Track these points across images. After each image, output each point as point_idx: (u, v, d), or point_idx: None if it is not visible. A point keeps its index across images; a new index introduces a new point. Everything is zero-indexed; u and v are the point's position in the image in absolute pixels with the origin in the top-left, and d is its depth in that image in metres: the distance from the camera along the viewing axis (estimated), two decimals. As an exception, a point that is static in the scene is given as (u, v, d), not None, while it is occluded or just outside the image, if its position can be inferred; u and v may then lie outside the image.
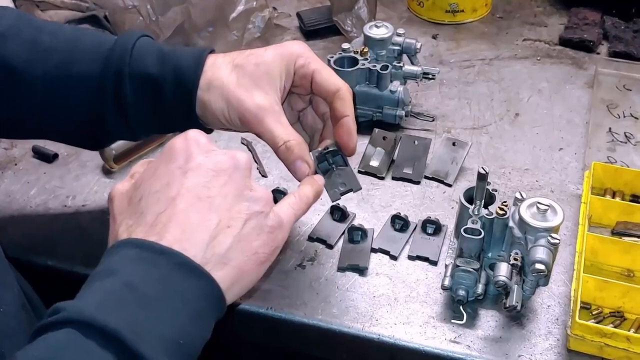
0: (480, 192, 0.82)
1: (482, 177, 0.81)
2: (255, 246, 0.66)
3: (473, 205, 0.83)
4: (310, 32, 1.34)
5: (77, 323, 0.55)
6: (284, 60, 0.80)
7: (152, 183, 0.65)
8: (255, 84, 0.78)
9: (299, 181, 0.78)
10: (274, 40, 1.31)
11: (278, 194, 0.97)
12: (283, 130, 0.77)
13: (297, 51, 0.81)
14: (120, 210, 0.66)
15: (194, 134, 0.68)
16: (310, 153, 0.80)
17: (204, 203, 0.64)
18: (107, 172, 1.06)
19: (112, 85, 0.80)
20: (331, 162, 0.82)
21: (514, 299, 0.78)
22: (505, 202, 0.83)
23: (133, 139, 0.96)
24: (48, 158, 1.08)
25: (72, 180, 1.05)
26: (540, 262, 0.77)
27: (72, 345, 0.54)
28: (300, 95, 0.85)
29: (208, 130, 0.85)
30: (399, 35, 1.11)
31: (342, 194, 0.84)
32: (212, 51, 0.82)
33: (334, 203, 0.89)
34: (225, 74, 0.79)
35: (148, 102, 0.81)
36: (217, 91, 0.79)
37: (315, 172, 0.79)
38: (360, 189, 0.84)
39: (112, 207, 0.68)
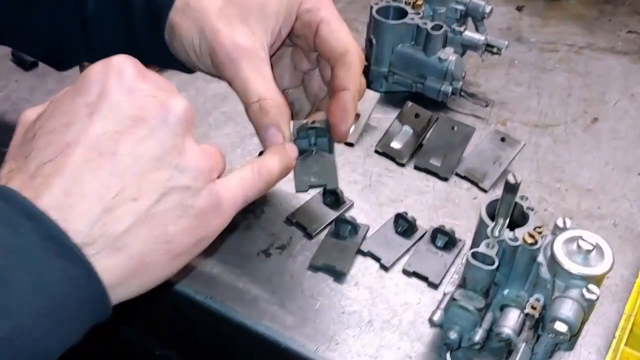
0: (505, 208, 0.60)
1: (511, 188, 0.59)
2: (170, 232, 0.48)
3: (494, 223, 0.62)
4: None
5: None
6: None
7: (50, 119, 0.48)
8: (242, 17, 0.62)
9: None
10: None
11: None
12: (261, 83, 0.60)
13: None
14: (13, 145, 0.50)
15: (119, 59, 0.50)
16: (292, 123, 0.62)
17: (106, 161, 0.46)
18: (84, 93, 0.89)
19: None
20: (313, 142, 0.64)
21: (515, 363, 0.57)
22: (540, 227, 0.62)
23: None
24: (25, 65, 0.93)
25: (43, 95, 0.90)
26: (563, 320, 0.56)
27: None
28: (305, 51, 0.68)
29: (188, 70, 0.69)
30: (467, -8, 0.89)
31: (312, 186, 0.65)
32: None
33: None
34: None
35: (113, 19, 0.67)
36: (192, 15, 0.63)
37: None
38: (336, 188, 0.68)
39: (13, 137, 0.51)
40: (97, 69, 0.50)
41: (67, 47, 0.71)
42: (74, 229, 0.44)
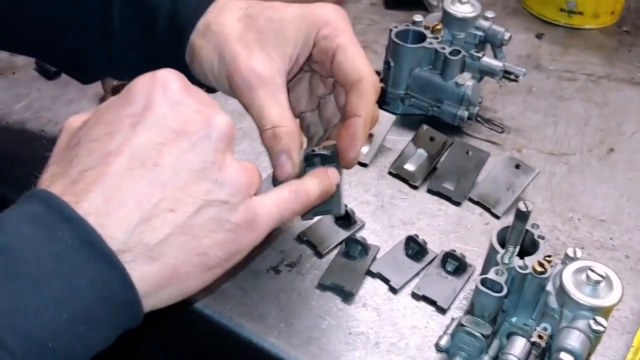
0: (516, 236, 0.61)
1: (522, 216, 0.59)
2: (204, 245, 0.49)
3: (504, 251, 0.62)
4: (392, 0, 1.13)
5: None
6: (304, 23, 0.64)
7: (94, 127, 0.49)
8: (261, 43, 0.62)
9: (277, 178, 0.60)
10: None
11: None
12: (277, 110, 0.60)
13: (324, 17, 0.64)
14: (56, 151, 0.51)
15: (165, 74, 0.51)
16: (301, 151, 0.62)
17: (147, 171, 0.47)
18: (104, 103, 0.90)
19: (99, 5, 0.67)
20: None
21: (519, 392, 0.57)
22: (550, 256, 0.62)
23: (117, 77, 0.82)
24: (48, 74, 0.94)
25: (63, 104, 0.91)
26: (569, 351, 0.56)
27: None
28: (322, 77, 0.68)
29: (209, 90, 0.68)
30: (486, 19, 0.90)
31: (316, 214, 0.64)
32: None
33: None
34: (229, 21, 0.63)
35: (137, 36, 0.68)
36: (213, 39, 0.63)
37: (299, 175, 0.61)
38: (341, 214, 0.66)
39: (56, 143, 0.52)
40: (143, 81, 0.51)
41: (90, 62, 0.71)
42: (112, 236, 0.45)
